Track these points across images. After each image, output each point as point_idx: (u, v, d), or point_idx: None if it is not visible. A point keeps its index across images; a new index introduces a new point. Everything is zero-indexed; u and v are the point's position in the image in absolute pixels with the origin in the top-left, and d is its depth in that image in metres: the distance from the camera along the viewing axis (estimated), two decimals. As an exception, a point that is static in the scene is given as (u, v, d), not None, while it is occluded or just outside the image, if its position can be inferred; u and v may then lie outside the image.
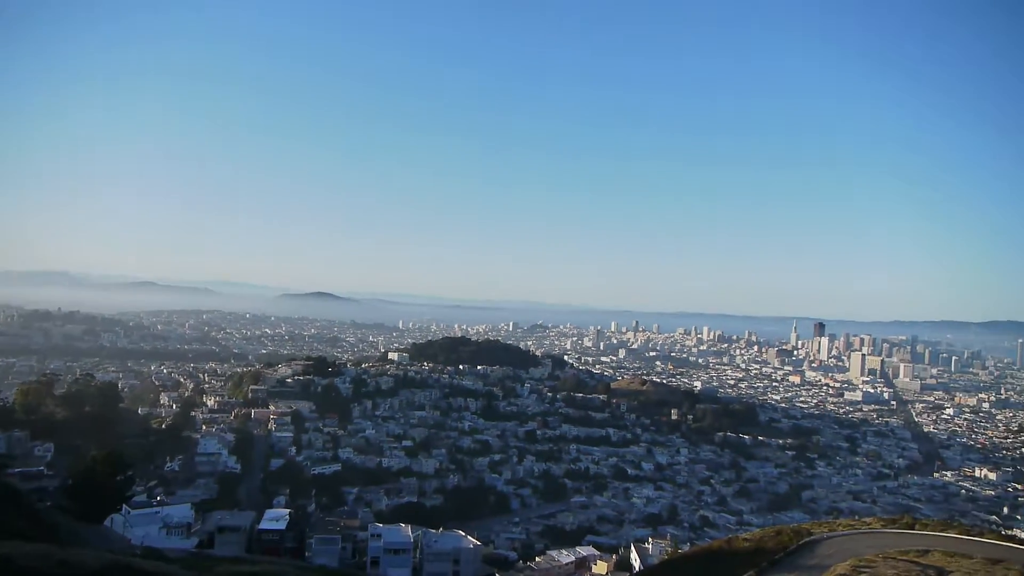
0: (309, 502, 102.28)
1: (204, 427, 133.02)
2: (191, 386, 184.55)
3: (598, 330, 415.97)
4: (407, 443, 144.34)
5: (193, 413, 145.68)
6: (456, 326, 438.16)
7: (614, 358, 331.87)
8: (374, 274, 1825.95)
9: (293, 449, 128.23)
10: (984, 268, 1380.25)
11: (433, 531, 68.48)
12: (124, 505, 55.98)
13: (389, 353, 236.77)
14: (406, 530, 64.53)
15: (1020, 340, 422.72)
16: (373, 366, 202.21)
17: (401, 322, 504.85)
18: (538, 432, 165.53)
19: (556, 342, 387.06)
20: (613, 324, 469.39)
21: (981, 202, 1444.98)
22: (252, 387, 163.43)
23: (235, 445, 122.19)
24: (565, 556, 77.85)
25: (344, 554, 61.01)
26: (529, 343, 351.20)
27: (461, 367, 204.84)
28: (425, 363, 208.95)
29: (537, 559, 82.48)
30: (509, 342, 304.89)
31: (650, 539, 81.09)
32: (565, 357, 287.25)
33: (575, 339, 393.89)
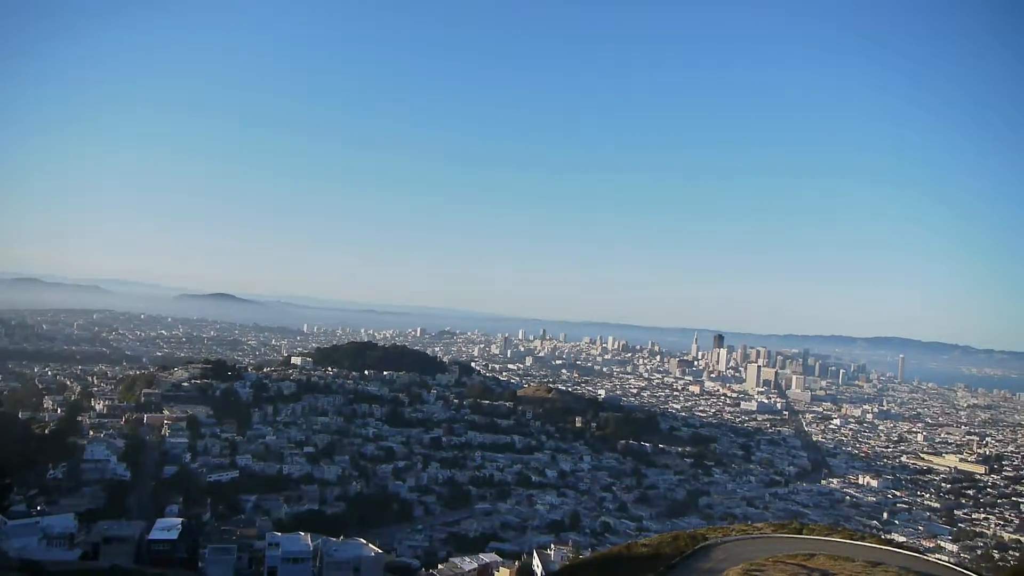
0: (204, 511, 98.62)
1: (91, 432, 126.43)
2: (78, 389, 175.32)
3: (506, 337, 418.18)
4: (309, 449, 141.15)
5: (80, 418, 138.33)
6: (363, 331, 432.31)
7: (521, 366, 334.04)
8: (278, 276, 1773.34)
9: (188, 456, 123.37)
10: (870, 287, 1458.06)
11: (334, 539, 67.11)
12: (0, 515, 52.64)
13: (292, 357, 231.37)
14: (305, 539, 63.06)
15: (901, 356, 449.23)
16: (275, 371, 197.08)
17: (306, 326, 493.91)
18: (443, 439, 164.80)
19: (464, 349, 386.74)
20: (521, 332, 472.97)
21: (868, 224, 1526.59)
22: (145, 391, 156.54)
23: (125, 451, 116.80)
24: (468, 563, 77.68)
25: (240, 564, 59.10)
26: (437, 349, 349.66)
27: (367, 372, 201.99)
28: (329, 368, 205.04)
29: (440, 566, 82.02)
30: (416, 348, 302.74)
31: (552, 545, 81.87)
32: (472, 364, 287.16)
33: (483, 346, 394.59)
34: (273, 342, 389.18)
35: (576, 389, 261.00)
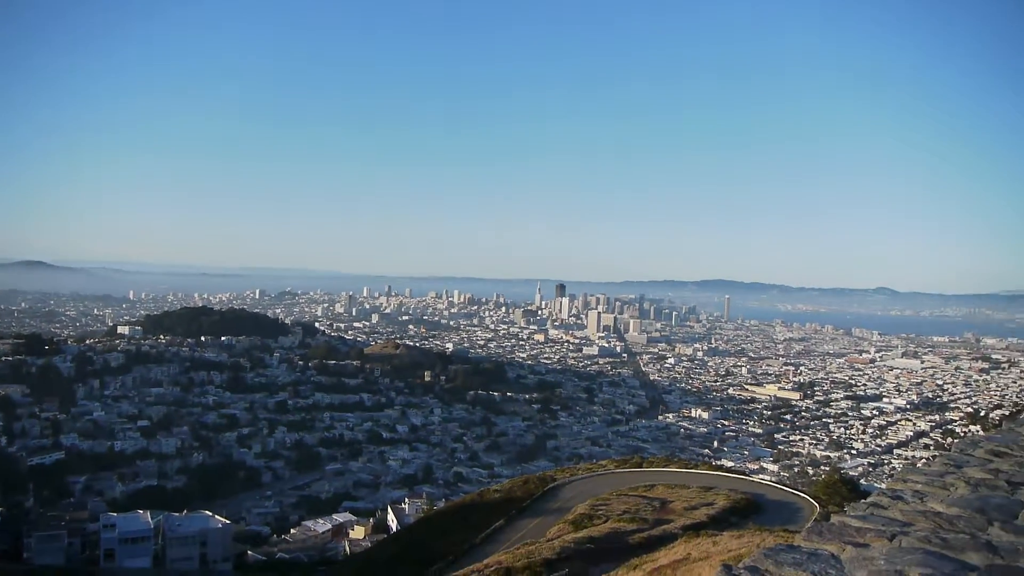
0: (26, 497, 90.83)
1: None
2: None
3: (350, 296, 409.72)
4: (143, 423, 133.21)
5: None
6: (196, 295, 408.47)
7: (367, 324, 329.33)
8: (98, 240, 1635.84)
9: (4, 439, 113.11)
10: (697, 235, 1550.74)
11: (177, 514, 64.02)
12: None
13: (119, 327, 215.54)
14: (145, 516, 59.78)
15: (727, 296, 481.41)
16: (100, 342, 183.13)
17: (132, 293, 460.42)
18: (289, 402, 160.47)
19: (307, 309, 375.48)
20: (365, 289, 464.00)
21: (691, 177, 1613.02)
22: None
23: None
24: (321, 525, 76.71)
25: (72, 550, 55.20)
26: (278, 311, 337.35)
27: (203, 339, 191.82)
28: (162, 336, 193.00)
29: (292, 531, 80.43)
30: (256, 310, 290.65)
31: (406, 499, 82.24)
32: (316, 324, 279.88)
33: (326, 306, 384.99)
34: (96, 311, 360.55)
35: (424, 344, 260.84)
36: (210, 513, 66.63)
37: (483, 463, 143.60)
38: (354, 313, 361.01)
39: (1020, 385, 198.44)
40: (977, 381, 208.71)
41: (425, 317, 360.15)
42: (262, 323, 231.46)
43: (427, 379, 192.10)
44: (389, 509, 75.94)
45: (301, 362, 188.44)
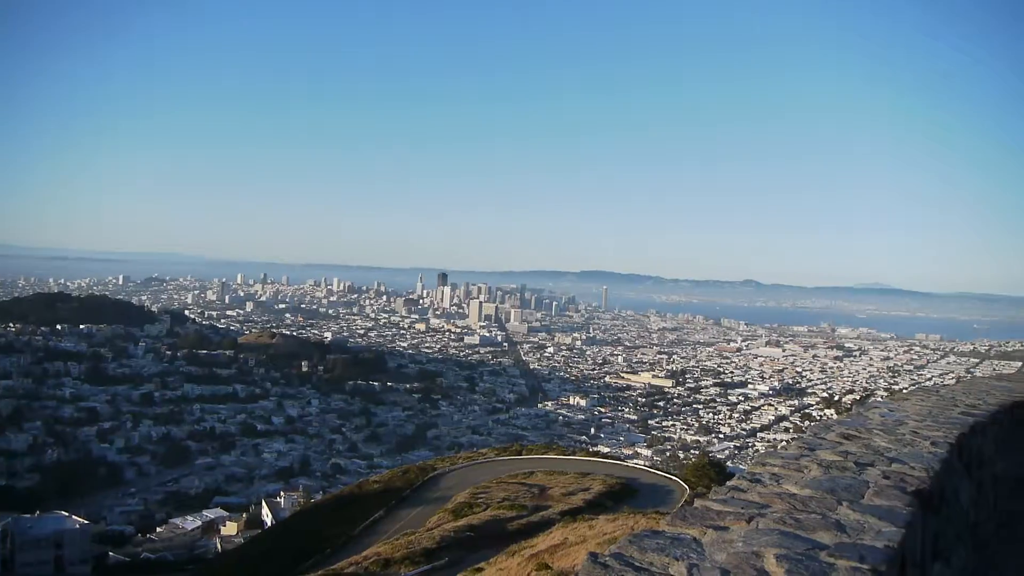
0: None
1: None
2: None
3: (223, 283, 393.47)
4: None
5: None
6: (51, 280, 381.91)
7: (241, 312, 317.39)
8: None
9: None
10: (578, 227, 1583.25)
11: (28, 516, 59.85)
12: None
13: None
14: (-10, 519, 55.55)
15: (605, 287, 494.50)
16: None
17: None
18: (156, 394, 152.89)
19: (176, 296, 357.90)
20: (240, 276, 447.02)
21: (573, 169, 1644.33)
22: None
23: None
24: (190, 522, 73.84)
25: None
26: (144, 298, 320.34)
27: (59, 327, 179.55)
28: (11, 324, 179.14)
29: (158, 529, 77.06)
30: (120, 297, 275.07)
31: (282, 493, 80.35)
32: (186, 312, 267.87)
33: (197, 292, 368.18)
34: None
35: (302, 333, 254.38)
36: (66, 513, 62.66)
37: (362, 454, 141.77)
38: (227, 301, 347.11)
39: (869, 372, 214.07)
40: (832, 368, 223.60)
41: (303, 305, 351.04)
42: (126, 311, 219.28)
43: (304, 369, 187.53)
44: (264, 503, 73.93)
45: (169, 352, 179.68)
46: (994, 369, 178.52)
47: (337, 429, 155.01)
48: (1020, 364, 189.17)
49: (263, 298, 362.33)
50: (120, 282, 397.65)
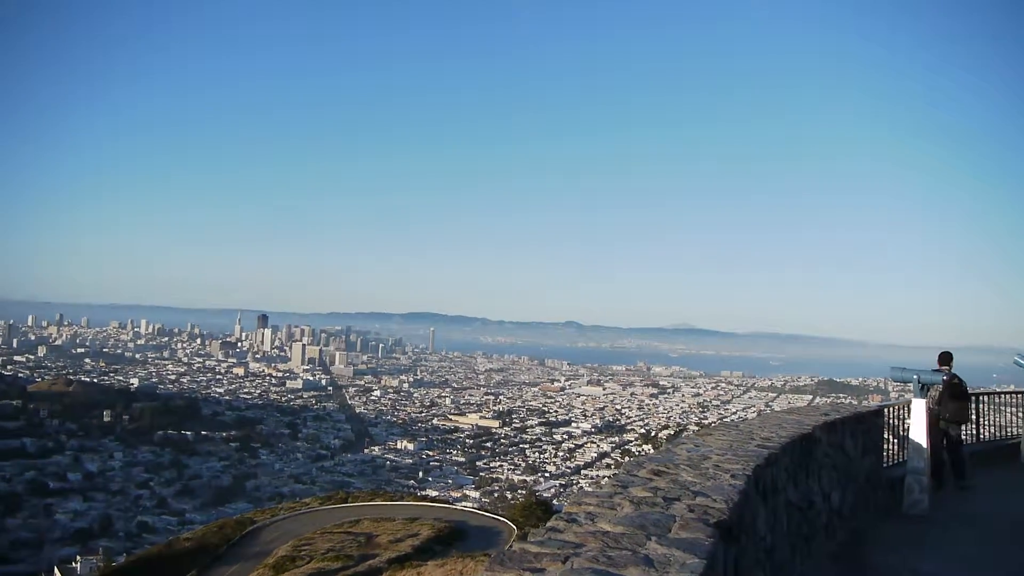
0: None
1: None
2: None
3: (10, 324, 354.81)
4: None
5: None
6: None
7: (31, 357, 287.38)
8: None
9: None
10: (405, 268, 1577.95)
11: None
12: None
13: None
14: None
15: (432, 329, 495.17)
16: None
17: None
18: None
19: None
20: (31, 317, 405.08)
21: (394, 209, 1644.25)
22: None
23: None
24: (-35, 597, 65.55)
25: None
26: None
27: None
28: None
29: (-77, 608, 68.01)
30: None
31: (78, 557, 73.01)
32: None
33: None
34: None
35: (104, 380, 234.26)
36: None
37: (173, 509, 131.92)
38: (15, 345, 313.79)
39: (682, 407, 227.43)
40: (648, 405, 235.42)
41: (106, 349, 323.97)
42: None
43: (107, 419, 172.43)
44: (56, 570, 66.92)
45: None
46: (788, 403, 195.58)
47: (144, 483, 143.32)
48: (810, 397, 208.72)
49: (58, 342, 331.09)
50: None
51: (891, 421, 16.66)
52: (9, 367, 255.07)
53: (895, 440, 16.62)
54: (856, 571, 11.32)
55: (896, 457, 16.54)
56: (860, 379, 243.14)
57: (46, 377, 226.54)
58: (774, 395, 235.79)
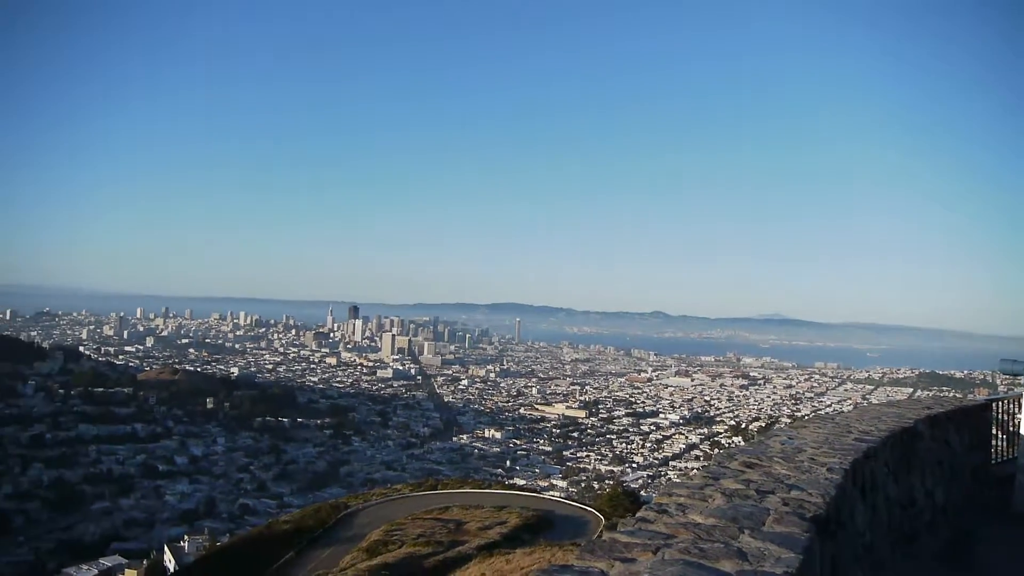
0: None
1: None
2: None
3: (121, 317, 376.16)
4: None
5: None
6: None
7: (141, 347, 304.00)
8: None
9: None
10: (489, 259, 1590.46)
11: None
12: None
13: None
14: None
15: (517, 319, 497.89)
16: None
17: None
18: (47, 435, 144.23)
19: (69, 331, 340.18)
20: (139, 310, 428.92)
21: (479, 200, 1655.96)
22: None
23: None
24: (85, 571, 69.87)
25: None
26: (34, 334, 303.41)
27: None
28: None
29: (49, 581, 72.73)
30: (7, 333, 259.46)
31: (186, 536, 76.81)
32: (81, 348, 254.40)
33: (93, 328, 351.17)
34: None
35: (206, 369, 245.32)
36: (-55, 567, 58.31)
37: (272, 493, 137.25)
38: (126, 336, 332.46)
39: (773, 399, 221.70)
40: (738, 396, 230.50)
41: (208, 340, 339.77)
42: (14, 347, 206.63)
43: (210, 406, 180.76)
44: (166, 548, 70.62)
45: (62, 390, 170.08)
46: (887, 396, 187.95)
47: (245, 468, 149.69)
48: (911, 390, 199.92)
49: (165, 333, 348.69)
50: (7, 317, 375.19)
51: (1000, 416, 15.81)
52: (121, 357, 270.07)
53: (1004, 436, 15.78)
54: (961, 571, 10.83)
55: (1005, 454, 15.69)
56: (965, 372, 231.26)
57: (154, 366, 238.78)
58: (871, 388, 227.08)
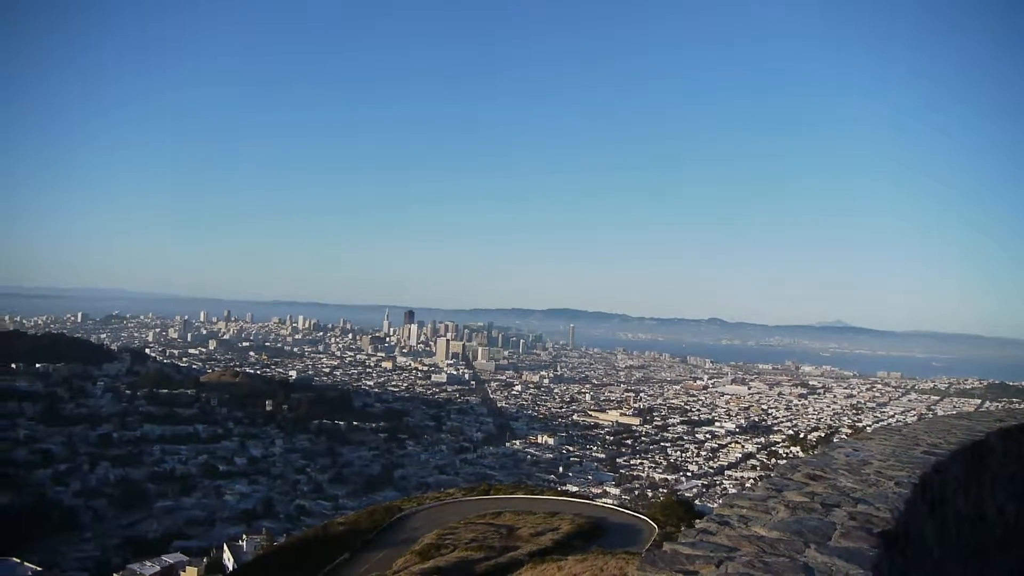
0: None
1: None
2: None
3: (185, 320, 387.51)
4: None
5: None
6: (7, 317, 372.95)
7: (204, 350, 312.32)
8: None
9: None
10: (544, 265, 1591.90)
11: (-22, 562, 57.79)
12: None
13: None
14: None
15: (572, 325, 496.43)
16: None
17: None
18: (114, 435, 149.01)
19: (136, 334, 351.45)
20: (202, 313, 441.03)
21: (535, 208, 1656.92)
22: None
23: None
24: (148, 567, 71.64)
25: None
26: (103, 336, 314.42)
27: (14, 366, 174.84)
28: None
29: (115, 575, 74.84)
30: (78, 335, 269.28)
31: (244, 536, 78.38)
32: (147, 350, 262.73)
33: (159, 330, 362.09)
34: None
35: (265, 371, 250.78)
36: (18, 560, 60.62)
37: (327, 495, 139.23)
38: (189, 339, 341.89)
39: (833, 409, 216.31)
40: (797, 405, 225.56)
41: (267, 343, 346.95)
42: (84, 349, 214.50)
43: (268, 408, 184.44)
44: (225, 547, 72.13)
45: (129, 391, 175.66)
46: (954, 407, 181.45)
47: (301, 469, 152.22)
48: (979, 402, 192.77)
49: (226, 336, 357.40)
50: (79, 319, 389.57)
51: None
52: (185, 359, 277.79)
53: None
54: None
55: None
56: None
57: (216, 369, 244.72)
58: (937, 398, 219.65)
